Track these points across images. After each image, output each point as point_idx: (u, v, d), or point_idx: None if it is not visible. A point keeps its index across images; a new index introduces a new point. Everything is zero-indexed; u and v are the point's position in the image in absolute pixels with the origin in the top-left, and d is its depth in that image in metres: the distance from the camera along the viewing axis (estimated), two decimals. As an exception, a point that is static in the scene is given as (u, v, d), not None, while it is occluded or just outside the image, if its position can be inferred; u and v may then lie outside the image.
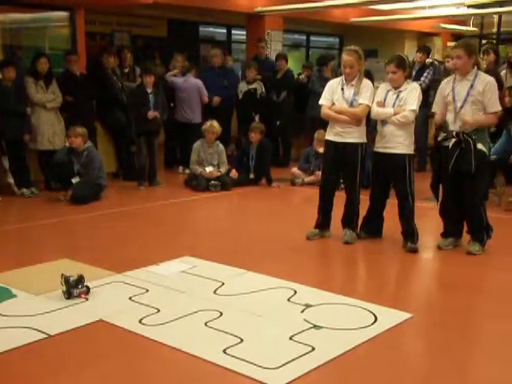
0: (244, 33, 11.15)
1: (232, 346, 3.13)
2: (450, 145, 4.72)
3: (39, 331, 3.29)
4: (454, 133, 4.71)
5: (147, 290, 3.94)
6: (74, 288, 3.75)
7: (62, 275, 3.79)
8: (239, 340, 3.21)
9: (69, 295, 3.73)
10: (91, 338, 3.28)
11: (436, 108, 4.96)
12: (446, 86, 4.87)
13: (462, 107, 4.69)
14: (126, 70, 8.48)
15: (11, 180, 6.99)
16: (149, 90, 7.42)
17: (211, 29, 12.81)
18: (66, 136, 6.93)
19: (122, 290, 3.94)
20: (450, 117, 4.79)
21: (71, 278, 3.76)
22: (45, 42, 8.68)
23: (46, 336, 3.24)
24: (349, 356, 3.08)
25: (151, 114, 7.33)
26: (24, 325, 3.37)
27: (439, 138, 4.85)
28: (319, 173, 7.48)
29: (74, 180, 6.72)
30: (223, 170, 7.56)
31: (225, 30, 12.73)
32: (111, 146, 8.21)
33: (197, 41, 12.12)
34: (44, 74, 7.18)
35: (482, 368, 3.06)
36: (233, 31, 12.74)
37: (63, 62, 7.79)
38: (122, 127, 7.94)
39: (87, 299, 3.74)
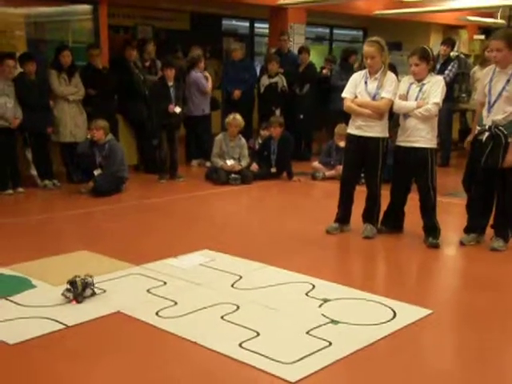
0: (267, 26, 11.10)
1: (248, 340, 3.11)
2: (484, 138, 4.61)
3: (57, 322, 3.31)
4: (487, 126, 4.61)
5: (165, 283, 3.94)
6: (69, 292, 3.58)
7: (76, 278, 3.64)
8: (255, 334, 3.19)
9: (64, 296, 3.59)
10: (108, 329, 3.29)
11: (479, 96, 4.82)
12: (486, 76, 4.73)
13: (495, 102, 4.56)
14: (148, 64, 8.49)
15: (34, 172, 7.06)
16: (170, 84, 7.42)
17: (234, 22, 12.78)
18: (88, 129, 6.97)
19: (139, 282, 3.95)
20: (484, 110, 4.68)
21: (77, 281, 3.60)
22: (68, 35, 8.75)
23: (63, 327, 3.26)
24: (366, 352, 3.04)
25: (172, 107, 7.34)
26: (43, 315, 3.39)
27: (476, 132, 4.75)
28: (340, 167, 7.40)
29: (96, 172, 6.76)
30: (244, 163, 7.54)
31: (248, 24, 12.70)
32: (133, 138, 8.24)
33: (219, 34, 12.11)
34: (67, 67, 7.23)
35: (506, 367, 2.99)
36: (255, 24, 12.70)
37: (86, 55, 7.84)
38: (143, 120, 7.97)
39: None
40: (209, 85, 8.50)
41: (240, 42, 10.40)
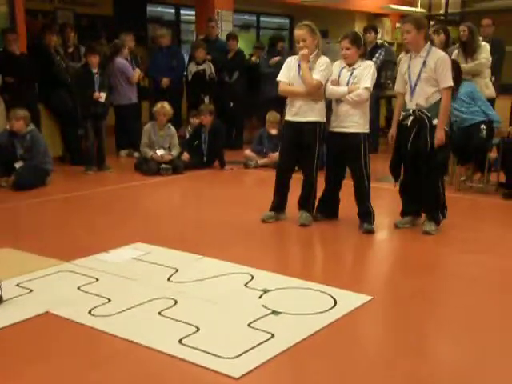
0: (193, 13, 10.87)
1: (188, 336, 2.98)
2: (408, 123, 4.72)
3: (-21, 327, 3.06)
4: (411, 111, 4.70)
5: (97, 279, 3.74)
6: None
7: None
8: (195, 329, 3.06)
9: None
10: (37, 332, 3.07)
11: (397, 87, 4.96)
12: (403, 63, 4.89)
13: (415, 85, 4.69)
14: (71, 50, 8.14)
15: None
16: (94, 71, 7.12)
17: (159, 8, 12.44)
18: (7, 119, 6.57)
19: (69, 280, 3.72)
20: (407, 95, 4.78)
21: None
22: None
23: (-14, 332, 3.02)
24: (309, 342, 2.98)
25: (97, 94, 7.05)
26: (-38, 320, 3.13)
27: (400, 118, 4.84)
28: (273, 155, 7.40)
29: (17, 165, 6.40)
30: (175, 153, 7.35)
31: (173, 10, 12.41)
32: (56, 128, 7.88)
33: (144, 20, 11.76)
34: (-19, 54, 6.80)
35: (444, 350, 3.01)
36: (181, 11, 12.43)
37: (1, 40, 7.38)
38: (67, 109, 7.61)
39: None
40: (135, 73, 8.22)
41: (165, 28, 10.13)
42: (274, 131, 7.68)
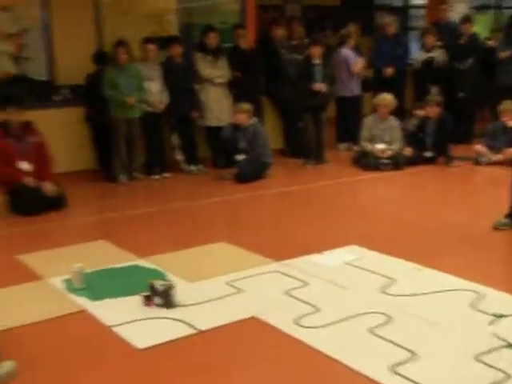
0: (423, -4, 10.22)
1: (402, 364, 2.61)
2: None
3: (190, 325, 3.04)
4: None
5: (306, 284, 3.54)
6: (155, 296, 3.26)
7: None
8: (410, 355, 2.68)
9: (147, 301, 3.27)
10: (241, 338, 2.96)
11: None
12: None
13: None
14: (295, 42, 8.11)
15: (180, 157, 7.02)
16: (316, 62, 6.96)
17: (387, -4, 11.93)
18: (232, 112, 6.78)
19: (278, 282, 3.58)
20: None
21: (154, 283, 3.28)
22: (215, 17, 8.61)
23: (195, 331, 2.98)
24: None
25: (317, 86, 6.88)
26: (175, 316, 3.13)
27: None
28: (508, 150, 6.54)
29: (239, 157, 6.54)
30: (396, 147, 6.90)
31: (402, -4, 11.81)
32: (279, 121, 7.94)
33: (371, 9, 11.37)
34: (212, 49, 7.08)
35: None
36: (410, -4, 11.77)
37: (232, 35, 7.63)
38: (288, 101, 7.62)
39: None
40: (358, 62, 7.92)
41: (393, 15, 9.62)
42: (510, 123, 6.78)
